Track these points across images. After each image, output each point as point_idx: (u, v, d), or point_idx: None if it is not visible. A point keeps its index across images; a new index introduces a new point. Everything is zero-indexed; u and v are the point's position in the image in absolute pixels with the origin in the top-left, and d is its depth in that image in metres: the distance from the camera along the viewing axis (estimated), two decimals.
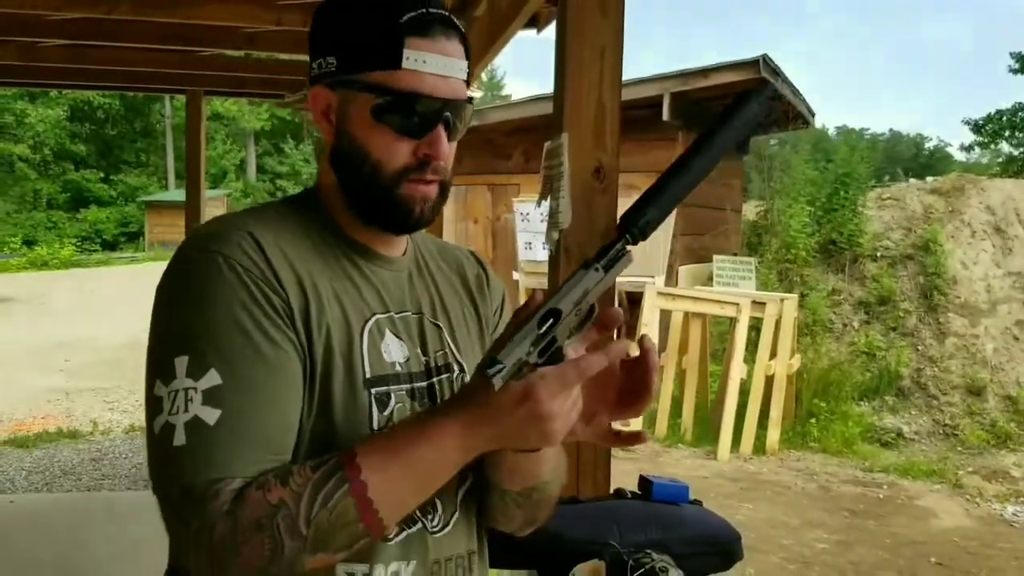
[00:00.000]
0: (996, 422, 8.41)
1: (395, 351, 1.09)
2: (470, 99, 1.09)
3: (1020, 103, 27.17)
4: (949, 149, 53.67)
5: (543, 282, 9.13)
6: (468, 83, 1.08)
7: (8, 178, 33.31)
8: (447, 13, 1.05)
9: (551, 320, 0.93)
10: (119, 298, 16.77)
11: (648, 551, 1.88)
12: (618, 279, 1.11)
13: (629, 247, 1.05)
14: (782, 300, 8.07)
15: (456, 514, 1.13)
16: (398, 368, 1.09)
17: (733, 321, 7.81)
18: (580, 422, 0.99)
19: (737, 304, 7.73)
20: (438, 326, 1.16)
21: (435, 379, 1.13)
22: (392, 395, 1.07)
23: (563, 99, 2.31)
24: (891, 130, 58.03)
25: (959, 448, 8.19)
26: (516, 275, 9.32)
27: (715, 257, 8.98)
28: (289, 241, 1.03)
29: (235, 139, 39.44)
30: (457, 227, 9.95)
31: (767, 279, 9.83)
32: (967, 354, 9.19)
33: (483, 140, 9.60)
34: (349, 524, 0.91)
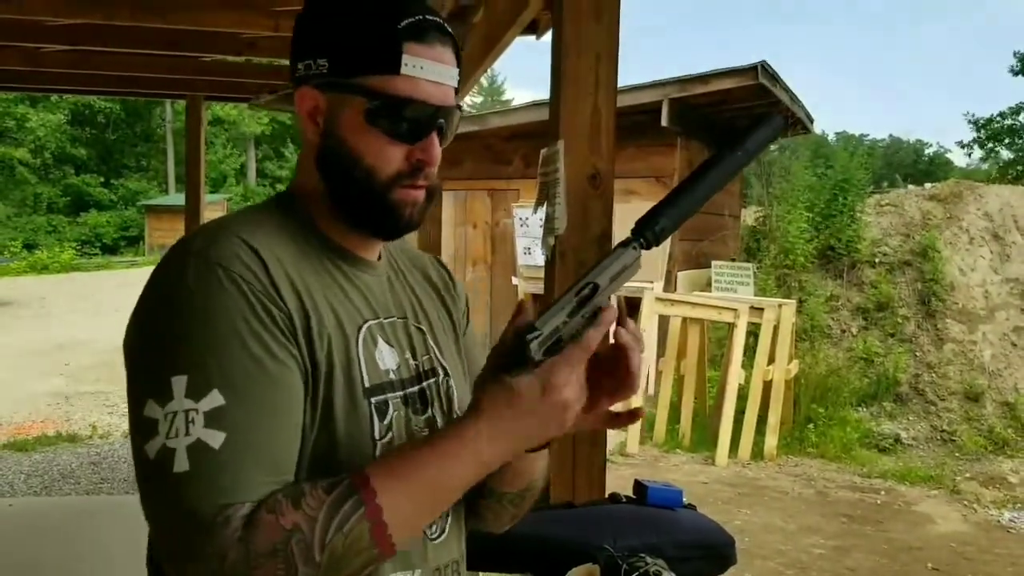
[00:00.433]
0: (993, 428, 8.43)
1: (388, 358, 1.08)
2: (459, 106, 1.09)
3: (1022, 103, 27.23)
4: (949, 155, 53.65)
5: (543, 287, 9.14)
6: (457, 91, 1.08)
7: (8, 182, 33.34)
8: (442, 20, 1.06)
9: (589, 292, 0.96)
10: (119, 302, 16.76)
11: (642, 555, 1.89)
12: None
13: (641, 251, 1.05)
14: (780, 306, 8.08)
15: (450, 520, 1.14)
16: (392, 375, 1.08)
17: (731, 327, 7.82)
18: (582, 411, 0.97)
19: (735, 310, 7.74)
20: (421, 330, 1.16)
21: (424, 384, 1.12)
22: (390, 403, 1.07)
23: (558, 105, 2.32)
24: (891, 136, 58.00)
25: (957, 454, 8.21)
26: (515, 280, 9.34)
27: (714, 263, 9.00)
28: (281, 249, 1.00)
29: (235, 143, 39.49)
30: (456, 232, 9.98)
31: (765, 285, 9.85)
32: (965, 360, 9.21)
33: (483, 145, 9.63)
34: (364, 550, 0.89)
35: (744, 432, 7.75)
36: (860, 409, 8.93)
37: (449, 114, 1.06)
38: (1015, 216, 10.73)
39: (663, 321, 8.23)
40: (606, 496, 2.20)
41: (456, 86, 1.07)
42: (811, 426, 8.45)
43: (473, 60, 3.67)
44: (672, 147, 8.94)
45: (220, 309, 0.91)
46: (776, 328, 7.82)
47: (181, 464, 0.86)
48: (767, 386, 7.87)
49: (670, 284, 8.88)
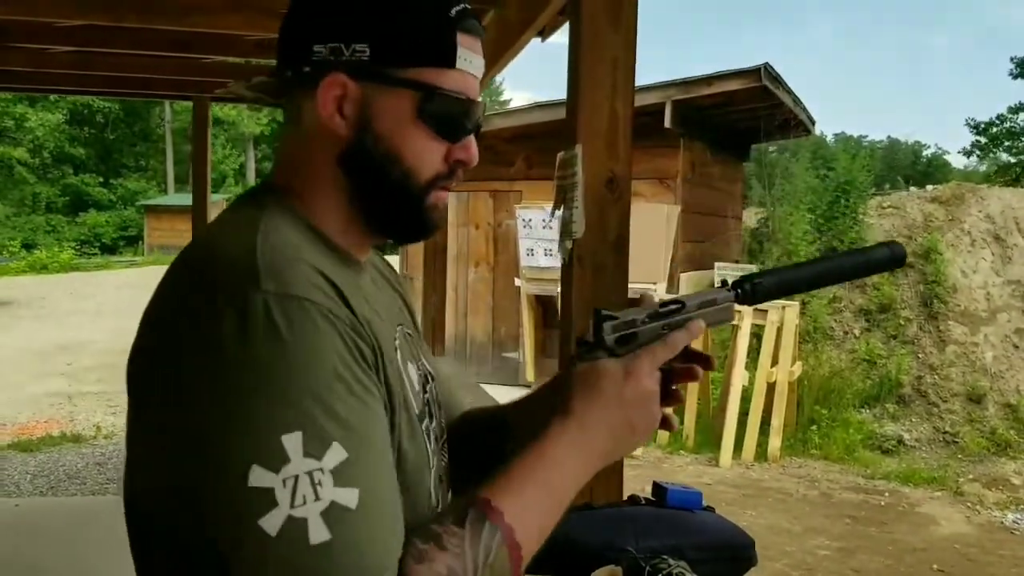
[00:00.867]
0: (996, 430, 8.45)
1: (414, 376, 1.01)
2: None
3: (1022, 103, 27.33)
4: (947, 157, 53.75)
5: (545, 288, 9.18)
6: None
7: (7, 182, 33.34)
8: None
9: (674, 307, 1.02)
10: (119, 302, 16.77)
11: (664, 556, 1.90)
12: None
13: (736, 304, 1.09)
14: (783, 307, 8.09)
15: None
16: (421, 395, 1.02)
17: (735, 328, 7.84)
18: None
19: (739, 311, 7.75)
20: (409, 334, 1.08)
21: (428, 394, 1.05)
22: (428, 423, 1.02)
23: (576, 110, 2.33)
24: (889, 137, 58.12)
25: (959, 455, 8.23)
26: (518, 281, 9.35)
27: (717, 264, 9.02)
28: (327, 267, 0.87)
29: (235, 143, 39.50)
30: (459, 232, 9.99)
31: None
32: (967, 362, 9.23)
33: (485, 146, 9.29)
34: (506, 571, 0.84)
35: (748, 433, 7.77)
36: (863, 411, 8.95)
37: (481, 111, 1.00)
38: (1016, 218, 10.75)
39: None
40: (625, 498, 2.21)
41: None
42: (814, 428, 8.47)
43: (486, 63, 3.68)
44: (675, 149, 8.95)
45: (319, 353, 0.79)
46: (779, 330, 7.83)
47: (319, 534, 0.74)
48: (770, 388, 7.89)
49: (673, 285, 8.89)
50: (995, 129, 28.01)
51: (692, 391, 8.18)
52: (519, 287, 9.35)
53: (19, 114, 32.16)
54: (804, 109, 10.78)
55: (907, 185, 16.84)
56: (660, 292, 8.21)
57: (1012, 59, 26.84)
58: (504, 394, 1.42)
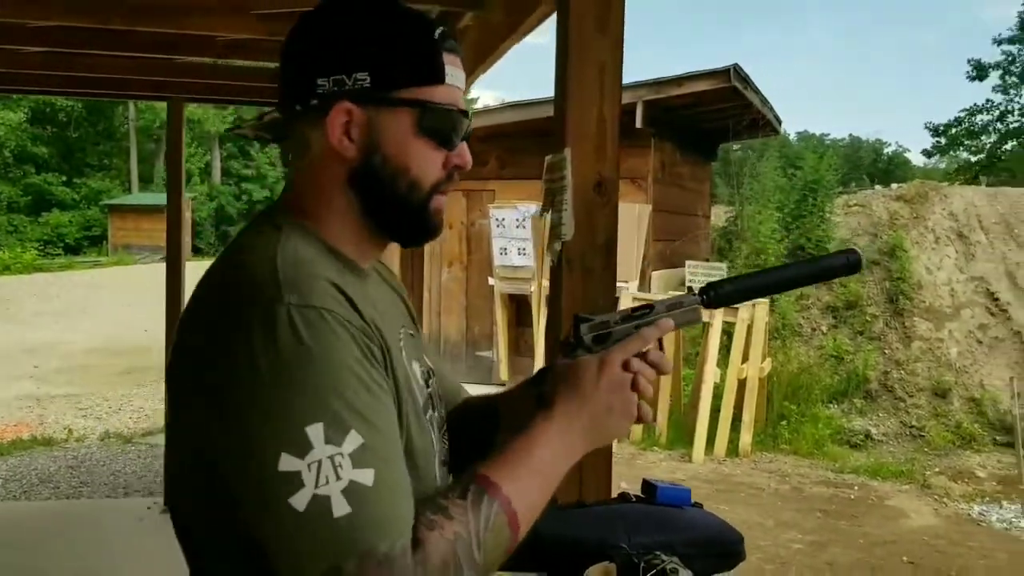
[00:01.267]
0: (961, 423, 8.64)
1: (418, 372, 1.11)
2: None
3: (977, 105, 27.90)
4: (907, 155, 54.56)
5: (518, 287, 9.23)
6: None
7: None
8: None
9: (645, 310, 1.16)
10: (85, 303, 16.57)
11: (657, 552, 1.94)
12: None
13: (702, 307, 1.21)
14: (754, 305, 8.20)
15: None
16: (425, 389, 1.12)
17: (706, 326, 7.94)
18: None
19: (693, 288, 7.84)
20: (412, 335, 1.17)
21: (430, 388, 1.15)
22: (432, 414, 1.12)
23: (564, 114, 2.36)
24: (851, 135, 58.81)
25: (926, 449, 8.40)
26: (491, 280, 9.38)
27: (687, 262, 9.12)
28: (341, 279, 0.98)
29: (200, 142, 39.07)
30: None
31: None
32: (932, 357, 9.42)
33: None
34: (504, 539, 0.95)
35: (719, 429, 7.88)
36: (831, 406, 9.11)
37: (469, 119, 1.11)
38: (979, 216, 10.99)
39: None
40: (615, 495, 2.26)
41: None
42: (784, 423, 8.61)
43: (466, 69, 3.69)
44: (647, 148, 9.03)
45: (336, 354, 0.90)
46: (750, 327, 7.95)
47: (341, 508, 0.85)
48: (741, 384, 8.00)
49: (645, 283, 8.98)
50: (954, 130, 28.56)
51: (664, 389, 8.28)
52: (492, 286, 9.38)
53: None
54: (771, 109, 10.92)
55: (872, 183, 17.10)
56: (632, 290, 8.29)
57: (970, 61, 27.40)
58: (478, 393, 1.51)
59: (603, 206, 2.37)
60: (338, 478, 0.86)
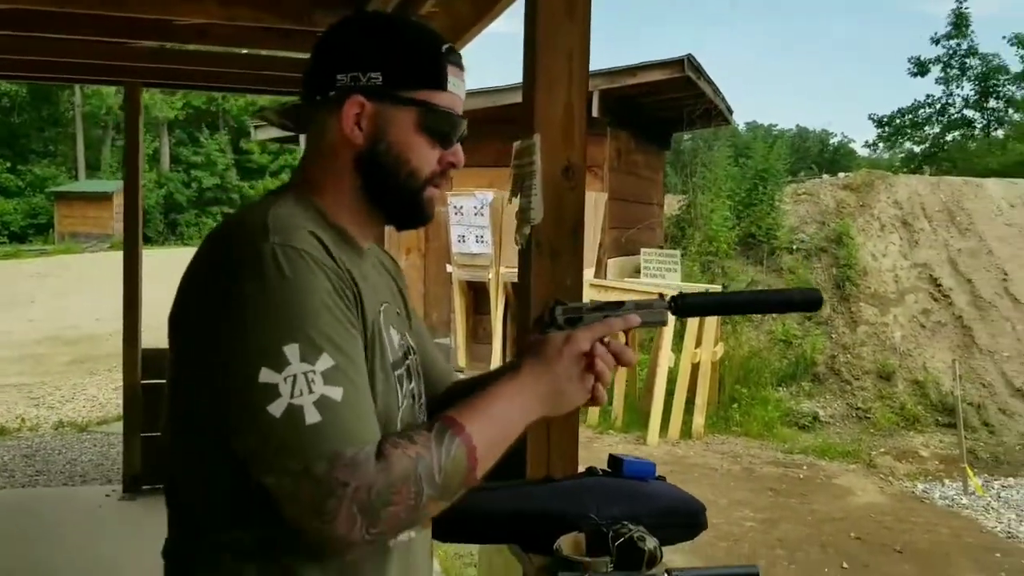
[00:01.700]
0: (905, 405, 8.91)
1: (395, 337, 1.24)
2: None
3: (919, 101, 28.56)
4: (852, 145, 55.59)
5: (476, 274, 9.28)
6: None
7: None
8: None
9: (615, 305, 1.31)
10: (32, 292, 16.25)
11: (624, 522, 2.02)
12: None
13: (669, 313, 1.35)
14: (706, 291, 8.37)
15: None
16: (398, 353, 1.24)
17: None
18: None
19: (664, 295, 7.98)
20: (398, 313, 1.30)
21: (408, 360, 1.28)
22: (403, 376, 1.24)
23: (533, 100, 2.41)
24: (798, 126, 59.73)
25: (871, 430, 8.66)
26: (449, 268, 9.43)
27: (643, 250, 9.25)
28: (328, 239, 1.12)
29: (148, 128, 38.34)
30: None
31: (691, 271, 10.17)
32: (877, 341, 9.69)
33: None
34: (462, 472, 1.07)
35: (674, 412, 8.05)
36: (781, 389, 9.32)
37: (465, 124, 1.26)
38: (923, 204, 11.30)
39: None
40: (583, 470, 2.34)
41: None
42: (735, 406, 8.81)
43: None
44: (602, 137, 9.13)
45: (312, 288, 1.04)
46: None
47: (312, 416, 0.97)
48: (695, 368, 8.17)
49: (601, 271, 9.10)
50: (897, 121, 29.18)
51: (620, 373, 8.41)
52: (450, 273, 9.43)
53: None
54: (723, 99, 11.11)
55: (819, 172, 17.45)
56: (588, 277, 8.40)
57: (910, 59, 28.00)
58: None
59: (571, 190, 2.44)
60: (311, 391, 0.98)
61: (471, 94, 9.56)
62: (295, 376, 0.98)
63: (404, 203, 1.23)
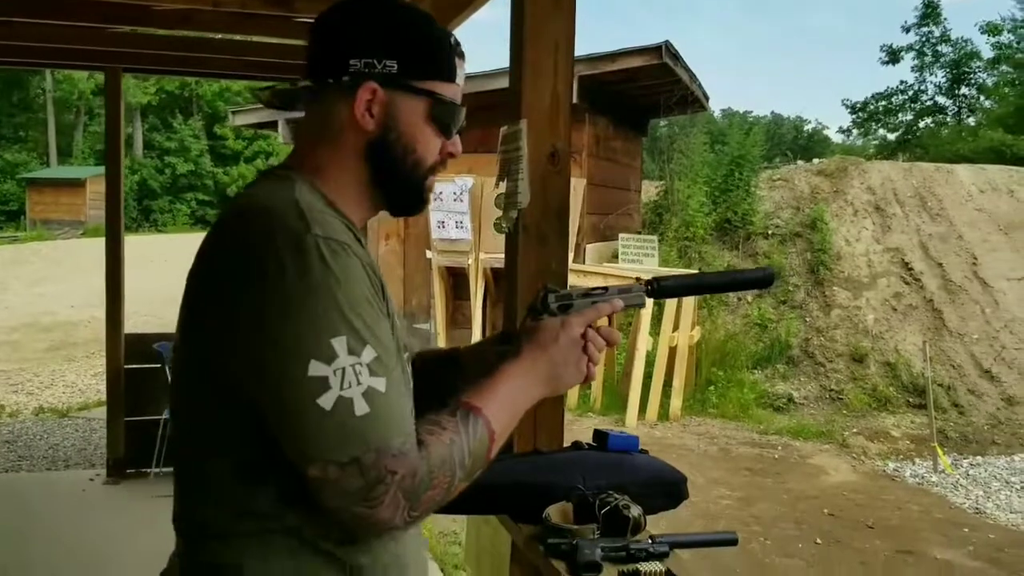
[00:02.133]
0: (877, 387, 9.08)
1: (397, 321, 1.25)
2: None
3: (892, 87, 28.85)
4: (826, 132, 56.04)
5: (456, 260, 9.34)
6: None
7: None
8: None
9: (599, 291, 1.42)
10: (6, 280, 16.10)
11: (610, 492, 2.11)
12: None
13: (646, 296, 1.47)
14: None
15: None
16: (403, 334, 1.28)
17: None
18: None
19: (642, 280, 8.09)
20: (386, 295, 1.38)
21: (405, 340, 1.30)
22: (406, 359, 1.27)
23: (520, 88, 2.48)
24: (773, 112, 60.18)
25: (844, 411, 8.83)
26: (429, 253, 9.47)
27: (621, 235, 9.35)
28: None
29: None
30: None
31: (668, 256, 10.28)
32: (850, 324, 9.86)
33: None
34: (484, 452, 1.14)
35: (651, 395, 8.17)
36: (756, 371, 9.47)
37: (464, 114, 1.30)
38: (895, 190, 11.47)
39: None
40: (571, 444, 2.42)
41: None
42: (712, 388, 8.95)
43: None
44: (581, 123, 9.19)
45: (354, 281, 1.06)
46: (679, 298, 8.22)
47: (362, 408, 1.01)
48: (672, 352, 8.29)
49: (579, 256, 9.18)
50: (871, 107, 29.46)
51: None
52: (430, 259, 9.47)
53: None
54: (700, 86, 11.20)
55: (794, 159, 17.61)
56: (568, 262, 8.47)
57: (883, 47, 28.26)
58: None
59: (557, 175, 2.52)
60: (359, 383, 1.01)
61: None
62: (344, 369, 1.01)
63: (407, 190, 1.26)
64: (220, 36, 4.98)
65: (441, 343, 9.52)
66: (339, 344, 1.01)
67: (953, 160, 15.46)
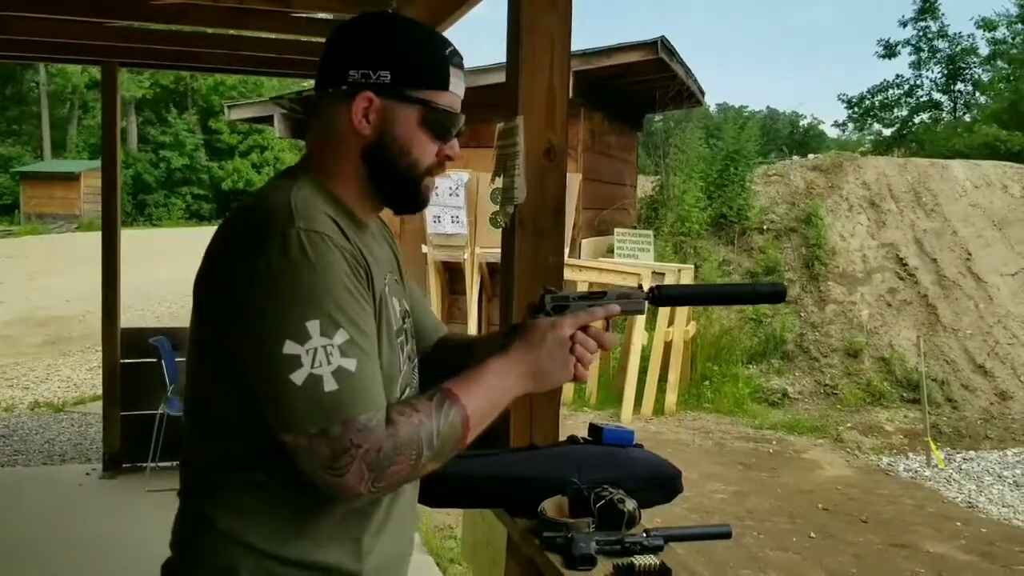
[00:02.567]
0: (871, 382, 9.12)
1: (397, 306, 1.39)
2: None
3: (888, 80, 28.88)
4: (822, 127, 56.09)
5: (452, 255, 9.35)
6: None
7: None
8: None
9: (598, 295, 1.47)
10: (3, 274, 16.07)
11: (605, 486, 2.13)
12: None
13: (647, 303, 1.50)
14: (679, 270, 8.52)
15: None
16: (400, 320, 1.39)
17: None
18: None
19: (638, 275, 8.11)
20: (397, 281, 1.45)
21: (405, 325, 1.43)
22: (403, 341, 1.40)
23: (517, 84, 2.50)
24: (768, 107, 60.21)
25: (839, 406, 8.86)
26: (425, 248, 9.47)
27: (616, 230, 9.35)
28: (342, 221, 1.25)
29: None
30: None
31: (663, 251, 10.29)
32: (845, 319, 9.89)
33: None
34: (456, 437, 1.24)
35: (647, 390, 8.19)
36: (751, 366, 9.50)
37: (463, 120, 1.38)
38: (890, 185, 11.50)
39: (570, 286, 8.53)
40: (566, 438, 2.44)
41: None
42: (707, 383, 8.97)
43: None
44: (577, 118, 9.19)
45: (332, 269, 1.17)
46: None
47: (330, 385, 1.12)
48: (667, 347, 8.31)
49: (575, 251, 9.19)
50: (867, 102, 29.50)
51: (595, 353, 8.51)
52: (426, 254, 9.48)
53: None
54: (695, 81, 11.20)
55: (789, 154, 17.64)
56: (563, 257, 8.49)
57: (879, 41, 28.30)
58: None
59: (553, 170, 2.53)
60: (329, 363, 1.12)
61: None
62: (316, 349, 1.12)
63: (404, 190, 1.36)
64: (216, 31, 4.98)
65: None
66: (312, 326, 1.12)
67: (948, 155, 15.50)
